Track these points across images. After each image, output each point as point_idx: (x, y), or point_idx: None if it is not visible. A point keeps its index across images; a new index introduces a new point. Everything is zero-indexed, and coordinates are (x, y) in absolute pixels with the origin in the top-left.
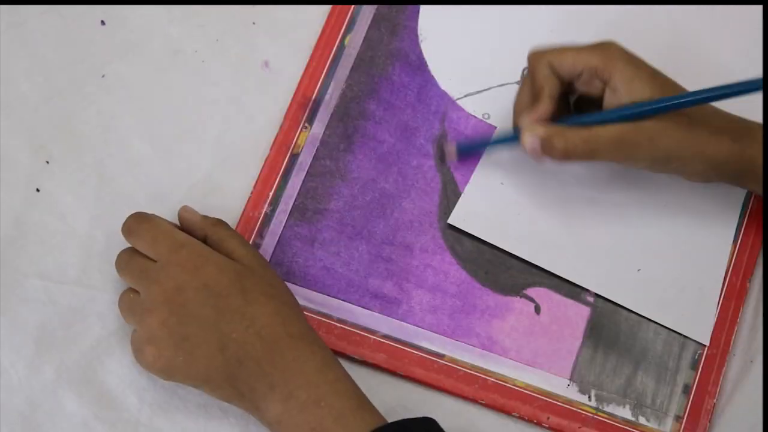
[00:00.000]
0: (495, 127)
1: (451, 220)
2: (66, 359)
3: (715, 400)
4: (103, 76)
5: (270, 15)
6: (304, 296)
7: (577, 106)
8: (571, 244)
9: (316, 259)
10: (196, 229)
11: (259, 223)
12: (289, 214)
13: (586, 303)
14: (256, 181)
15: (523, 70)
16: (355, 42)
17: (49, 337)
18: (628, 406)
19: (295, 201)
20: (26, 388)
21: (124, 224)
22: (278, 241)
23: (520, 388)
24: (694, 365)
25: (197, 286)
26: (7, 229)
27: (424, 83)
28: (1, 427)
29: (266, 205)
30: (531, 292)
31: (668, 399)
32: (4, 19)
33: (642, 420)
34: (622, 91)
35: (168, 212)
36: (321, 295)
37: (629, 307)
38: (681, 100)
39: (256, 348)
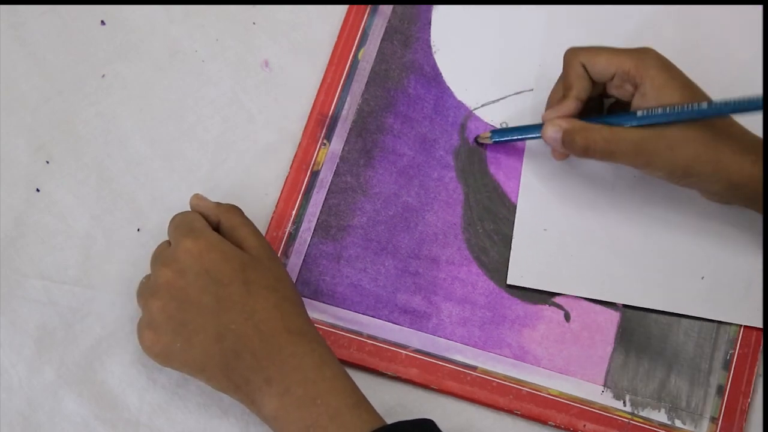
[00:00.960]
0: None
1: (510, 281)
2: (66, 359)
3: (749, 400)
4: (103, 76)
5: (270, 15)
6: (334, 314)
7: (611, 111)
8: (629, 269)
9: (343, 277)
10: (209, 216)
11: (283, 243)
12: (313, 233)
13: (616, 308)
14: (278, 201)
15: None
16: (368, 56)
17: (49, 337)
18: (663, 410)
19: (318, 219)
20: (26, 388)
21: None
22: (304, 260)
23: (555, 396)
24: (726, 365)
25: (198, 271)
26: (7, 229)
27: (440, 94)
28: (1, 427)
29: (290, 224)
30: (559, 299)
31: (703, 401)
32: (4, 19)
33: (678, 423)
34: (650, 97)
35: (168, 212)
36: (350, 312)
37: (694, 315)
38: (698, 111)
39: (253, 341)
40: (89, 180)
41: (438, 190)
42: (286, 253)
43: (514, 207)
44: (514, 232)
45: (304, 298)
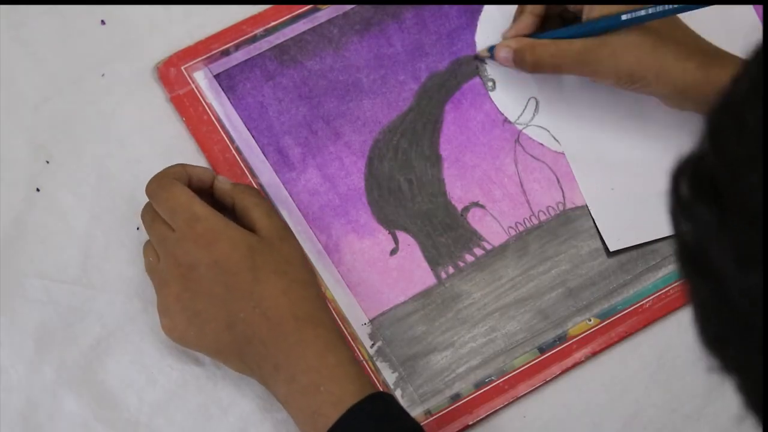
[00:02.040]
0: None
1: (613, 248)
2: (66, 359)
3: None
4: (102, 75)
5: None
6: (226, 114)
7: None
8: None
9: (258, 93)
10: (225, 198)
11: (245, 37)
12: (271, 48)
13: (438, 277)
14: (269, 8)
15: None
16: None
17: (49, 336)
18: (396, 374)
19: (283, 41)
20: (26, 388)
21: (148, 185)
22: (247, 60)
23: (328, 299)
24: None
25: (209, 263)
26: (7, 229)
27: (465, 25)
28: (1, 427)
29: (262, 29)
30: (401, 234)
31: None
32: (4, 19)
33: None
34: (597, 7)
35: None
36: (241, 122)
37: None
38: (636, 14)
39: (261, 329)
40: (89, 179)
41: (392, 89)
42: (237, 47)
43: (437, 157)
44: (587, 203)
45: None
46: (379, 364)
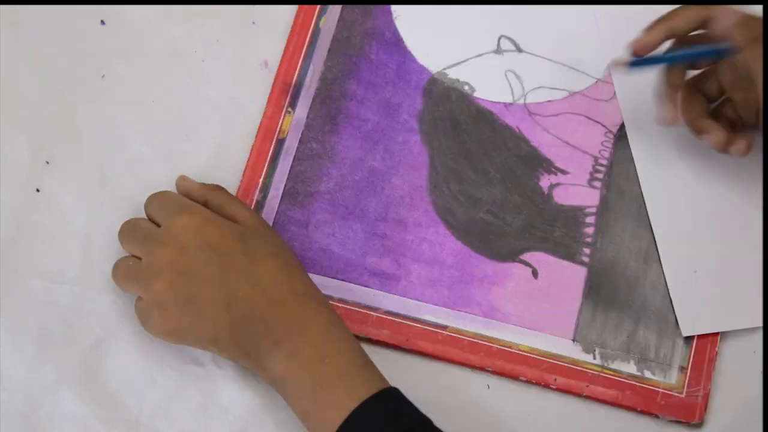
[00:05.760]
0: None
1: (685, 334)
2: (66, 359)
3: (717, 349)
4: (103, 76)
5: (270, 15)
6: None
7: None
8: None
9: (312, 242)
10: (196, 197)
11: (253, 205)
12: (281, 200)
13: (582, 263)
14: (245, 170)
15: (499, 38)
16: (329, 24)
17: (49, 337)
18: (632, 361)
19: (285, 186)
20: (26, 388)
21: (147, 200)
22: (272, 227)
23: (525, 352)
24: None
25: (200, 246)
26: (7, 229)
27: (402, 60)
28: (1, 427)
29: (257, 192)
30: (527, 257)
31: (671, 351)
32: (4, 19)
33: (648, 374)
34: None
35: None
36: (320, 276)
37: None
38: None
39: (262, 305)
40: (89, 180)
41: (403, 153)
42: None
43: (482, 168)
44: (667, 282)
45: None
46: (614, 366)
